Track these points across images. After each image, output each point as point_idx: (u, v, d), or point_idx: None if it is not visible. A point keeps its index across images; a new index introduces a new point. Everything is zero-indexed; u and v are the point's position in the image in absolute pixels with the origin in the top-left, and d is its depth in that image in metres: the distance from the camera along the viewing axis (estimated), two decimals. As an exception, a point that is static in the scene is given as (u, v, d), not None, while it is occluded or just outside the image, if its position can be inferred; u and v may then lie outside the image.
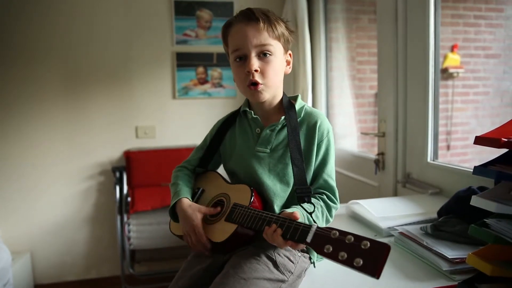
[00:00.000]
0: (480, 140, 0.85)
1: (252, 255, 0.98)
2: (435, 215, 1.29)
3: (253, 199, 1.01)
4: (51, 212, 2.93)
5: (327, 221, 1.05)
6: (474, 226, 0.85)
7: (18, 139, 2.85)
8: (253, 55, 1.04)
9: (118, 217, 2.79)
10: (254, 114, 1.13)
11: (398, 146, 1.89)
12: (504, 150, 0.85)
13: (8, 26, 2.77)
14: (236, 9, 2.96)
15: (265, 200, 1.07)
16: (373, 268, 0.66)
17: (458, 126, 2.79)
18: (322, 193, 1.08)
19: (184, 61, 3.05)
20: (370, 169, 2.12)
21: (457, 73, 2.76)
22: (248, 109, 1.16)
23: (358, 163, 2.35)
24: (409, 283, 0.98)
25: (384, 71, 1.97)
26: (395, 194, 1.93)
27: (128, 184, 2.90)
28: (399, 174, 1.89)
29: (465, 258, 0.87)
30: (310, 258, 1.06)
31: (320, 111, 1.15)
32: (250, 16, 1.05)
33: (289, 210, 0.93)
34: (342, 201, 1.34)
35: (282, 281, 0.96)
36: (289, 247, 0.93)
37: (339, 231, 0.75)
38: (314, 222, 0.97)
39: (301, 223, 0.83)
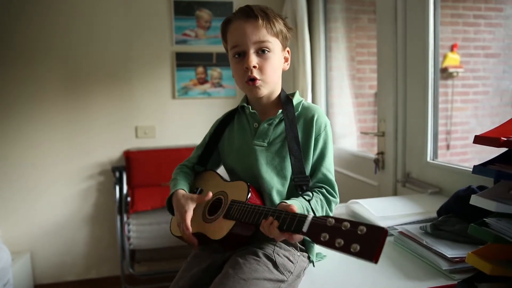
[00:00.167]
0: (479, 139, 0.85)
1: (252, 256, 0.98)
2: (434, 215, 1.29)
3: (250, 194, 1.01)
4: (51, 212, 2.93)
5: (327, 215, 1.05)
6: (473, 225, 0.85)
7: (18, 139, 2.85)
8: (252, 51, 1.05)
9: (118, 217, 2.79)
10: (252, 109, 1.14)
11: (397, 146, 1.89)
12: (504, 149, 0.85)
13: (8, 26, 2.77)
14: (236, 9, 2.97)
15: (264, 194, 1.07)
16: (370, 253, 0.65)
17: (458, 126, 2.79)
18: (321, 187, 1.08)
19: (184, 61, 3.05)
20: (370, 169, 2.12)
21: (457, 72, 2.76)
22: (246, 105, 1.17)
23: (357, 163, 2.35)
24: (409, 283, 0.98)
25: (383, 70, 1.97)
26: (394, 193, 1.93)
27: (128, 184, 2.90)
28: (399, 173, 1.89)
29: (465, 257, 0.87)
30: (309, 258, 1.06)
31: (318, 106, 1.16)
32: (249, 13, 1.06)
33: (287, 202, 0.93)
34: (342, 200, 1.34)
35: (282, 281, 0.96)
36: (287, 246, 0.93)
37: (335, 218, 0.74)
38: (313, 210, 0.98)
39: (297, 213, 0.83)
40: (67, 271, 3.00)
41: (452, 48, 2.73)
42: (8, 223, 2.86)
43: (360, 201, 1.48)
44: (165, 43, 3.02)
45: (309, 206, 0.98)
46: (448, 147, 2.73)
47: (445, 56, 2.70)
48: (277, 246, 1.01)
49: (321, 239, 0.73)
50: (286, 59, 1.16)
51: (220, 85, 3.13)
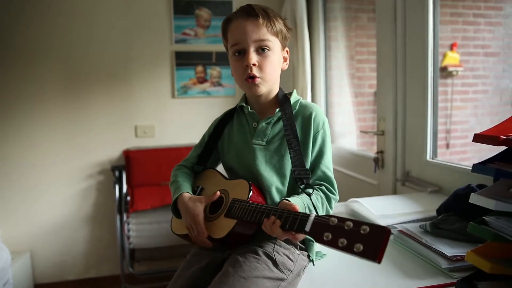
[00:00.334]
0: (479, 138, 0.85)
1: (252, 254, 0.98)
2: (434, 213, 1.29)
3: (252, 193, 1.01)
4: (51, 212, 2.94)
5: (327, 212, 1.06)
6: (473, 224, 0.85)
7: (18, 139, 2.85)
8: (252, 49, 1.06)
9: (118, 216, 2.79)
10: (250, 109, 1.15)
11: (397, 145, 1.89)
12: (503, 148, 0.85)
13: (8, 26, 2.77)
14: (235, 8, 2.97)
15: (264, 192, 1.08)
16: (373, 253, 0.65)
17: (457, 125, 2.79)
18: (320, 185, 1.08)
19: (183, 60, 3.05)
20: (370, 168, 2.13)
21: (456, 71, 2.76)
22: (244, 104, 1.17)
23: (357, 162, 2.35)
24: (408, 281, 0.98)
25: (383, 69, 1.97)
26: (394, 192, 1.93)
27: (127, 183, 2.90)
28: (399, 172, 1.89)
29: (464, 255, 0.87)
30: (309, 256, 1.06)
31: (315, 104, 1.17)
32: (250, 12, 1.07)
33: (289, 200, 0.93)
34: (342, 199, 1.34)
35: (282, 279, 0.96)
36: (287, 244, 0.93)
37: (338, 217, 0.74)
38: (314, 206, 0.98)
39: (300, 212, 0.83)
40: (67, 270, 3.00)
41: (451, 47, 2.73)
42: (8, 223, 2.86)
43: (360, 200, 1.48)
44: (165, 42, 3.02)
45: (311, 203, 0.99)
46: (447, 146, 2.73)
47: (444, 55, 2.71)
48: (277, 245, 1.01)
49: (324, 238, 0.73)
50: (285, 59, 1.17)
51: (219, 84, 3.13)
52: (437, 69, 1.70)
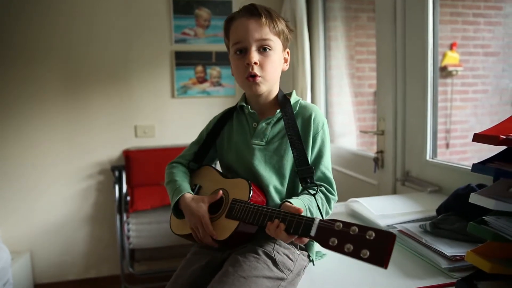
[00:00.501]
0: (478, 138, 0.85)
1: (252, 253, 0.98)
2: (434, 213, 1.29)
3: (252, 193, 1.01)
4: (51, 212, 2.94)
5: (327, 213, 1.07)
6: (473, 224, 0.85)
7: (18, 139, 2.85)
8: (254, 48, 1.07)
9: (118, 217, 2.79)
10: (251, 109, 1.15)
11: (397, 144, 1.89)
12: (503, 148, 0.85)
13: (8, 26, 2.77)
14: (235, 8, 2.98)
15: (264, 192, 1.07)
16: (380, 259, 0.66)
17: (457, 124, 2.79)
18: (320, 185, 1.08)
19: (183, 60, 3.05)
20: (369, 167, 2.13)
21: (456, 71, 2.76)
22: (245, 104, 1.17)
23: (357, 161, 2.35)
24: (408, 281, 0.98)
25: (383, 69, 1.97)
26: (394, 192, 1.93)
27: (127, 183, 2.90)
28: (398, 172, 1.89)
29: (464, 255, 0.87)
30: (309, 256, 1.07)
31: (315, 105, 1.17)
32: (253, 11, 1.08)
33: (291, 202, 0.93)
34: (341, 199, 1.34)
35: (282, 279, 0.96)
36: (287, 244, 0.93)
37: (343, 222, 0.74)
38: (318, 207, 0.99)
39: (304, 216, 0.83)
40: (67, 270, 3.00)
41: (451, 46, 2.73)
42: (8, 223, 2.86)
43: (360, 199, 1.48)
44: (164, 42, 3.02)
45: (312, 204, 0.99)
46: (447, 145, 2.73)
47: (444, 55, 2.70)
48: (277, 244, 1.01)
49: (330, 243, 0.73)
50: (285, 60, 1.18)
51: (219, 84, 3.13)
52: (437, 69, 1.70)
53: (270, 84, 1.12)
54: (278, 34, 1.10)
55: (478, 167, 0.86)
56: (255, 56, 1.06)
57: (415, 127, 1.77)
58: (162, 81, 3.05)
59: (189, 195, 1.10)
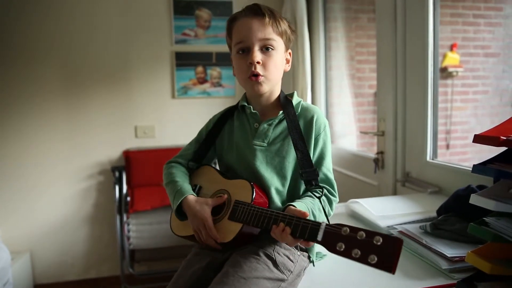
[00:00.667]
0: (479, 139, 0.85)
1: (252, 254, 0.98)
2: (434, 214, 1.29)
3: (255, 195, 1.00)
4: (51, 212, 2.93)
5: (328, 214, 1.06)
6: (473, 225, 0.85)
7: (18, 139, 2.85)
8: (256, 48, 1.06)
9: (118, 217, 2.79)
10: (252, 110, 1.14)
11: (397, 145, 1.89)
12: (503, 149, 0.85)
13: (8, 26, 2.77)
14: (235, 9, 2.98)
15: (265, 194, 1.07)
16: (388, 264, 0.66)
17: (458, 125, 2.79)
18: (322, 187, 1.08)
19: (183, 60, 3.05)
20: (370, 168, 2.13)
21: (456, 72, 2.76)
22: (246, 104, 1.17)
23: (357, 162, 2.35)
24: (409, 282, 0.98)
25: (383, 70, 1.97)
26: (394, 193, 1.93)
27: (127, 183, 2.90)
28: (399, 173, 1.89)
29: (465, 256, 0.87)
30: (309, 257, 1.06)
31: (316, 106, 1.17)
32: (257, 11, 1.08)
33: (295, 206, 0.93)
34: (342, 200, 1.34)
35: (282, 280, 0.96)
36: (288, 245, 0.93)
37: (350, 227, 0.74)
38: (322, 210, 0.99)
39: (309, 220, 0.83)
40: (67, 271, 3.00)
41: (451, 47, 2.72)
42: (8, 223, 2.86)
43: (360, 200, 1.48)
44: (165, 43, 3.02)
45: (315, 207, 1.00)
46: (447, 146, 2.73)
47: (444, 56, 2.70)
48: (277, 245, 1.01)
49: (337, 248, 0.73)
50: (287, 61, 1.18)
51: (219, 85, 3.13)
52: (437, 70, 1.70)
53: (272, 84, 1.11)
54: (281, 34, 1.10)
55: (479, 168, 0.86)
56: (258, 56, 1.06)
57: (415, 128, 1.77)
58: (162, 81, 3.05)
59: (192, 197, 1.09)
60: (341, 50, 2.81)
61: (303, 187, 1.10)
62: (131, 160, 2.90)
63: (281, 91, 1.18)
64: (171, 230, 1.17)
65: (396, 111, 1.87)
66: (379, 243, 0.69)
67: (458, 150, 2.76)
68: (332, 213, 1.09)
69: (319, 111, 1.14)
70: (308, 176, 1.03)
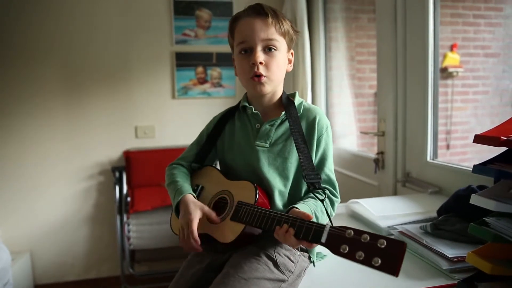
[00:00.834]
0: (479, 139, 0.85)
1: (252, 255, 0.98)
2: (434, 214, 1.29)
3: (258, 196, 1.00)
4: (51, 212, 2.93)
5: (330, 215, 1.06)
6: (473, 225, 0.85)
7: (18, 139, 2.85)
8: (259, 48, 1.06)
9: (118, 217, 2.79)
10: (254, 110, 1.14)
11: (397, 145, 1.89)
12: (504, 149, 0.85)
13: (8, 26, 2.77)
14: (235, 9, 2.98)
15: (268, 195, 1.07)
16: (392, 267, 0.67)
17: (458, 125, 2.79)
18: (324, 188, 1.08)
19: (184, 61, 3.05)
20: (370, 168, 2.12)
21: (457, 72, 2.76)
22: (248, 105, 1.16)
23: (357, 162, 2.35)
24: (409, 282, 0.98)
25: (383, 70, 1.97)
26: (394, 193, 1.93)
27: (127, 184, 2.90)
28: (399, 173, 1.89)
29: (465, 256, 0.87)
30: (309, 258, 1.06)
31: (318, 107, 1.17)
32: (259, 11, 1.07)
33: (298, 208, 0.93)
34: (342, 200, 1.33)
35: (283, 280, 0.96)
36: (288, 245, 0.93)
37: (354, 230, 0.75)
38: (327, 211, 0.99)
39: (313, 222, 0.83)
40: (67, 271, 3.00)
41: (451, 47, 2.72)
42: (8, 223, 2.86)
43: (360, 200, 1.48)
44: (165, 43, 3.02)
45: (318, 209, 1.00)
46: (448, 146, 2.73)
47: (445, 56, 2.70)
48: (278, 246, 1.01)
49: (341, 250, 0.74)
50: (289, 61, 1.17)
51: (220, 85, 3.13)
52: (437, 70, 1.70)
53: (274, 85, 1.11)
54: (284, 34, 1.09)
55: (479, 168, 0.86)
56: (260, 56, 1.05)
57: (415, 128, 1.77)
58: (162, 81, 3.05)
59: (190, 196, 1.08)
60: (341, 50, 2.81)
61: (304, 188, 1.09)
62: (131, 160, 2.90)
63: (283, 91, 1.17)
64: (171, 230, 1.17)
65: (397, 111, 1.87)
66: (383, 246, 0.69)
67: (459, 150, 2.76)
68: (334, 214, 1.09)
69: (321, 112, 1.14)
70: (311, 178, 1.03)
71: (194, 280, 1.02)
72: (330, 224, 0.80)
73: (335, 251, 0.75)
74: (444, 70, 2.72)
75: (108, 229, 3.01)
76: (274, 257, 0.98)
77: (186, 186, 1.13)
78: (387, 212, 1.37)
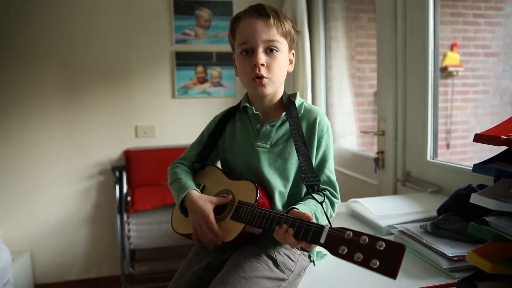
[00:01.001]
0: (479, 138, 0.85)
1: (252, 254, 0.98)
2: (434, 213, 1.29)
3: (259, 196, 1.00)
4: (51, 212, 2.94)
5: (330, 216, 1.07)
6: (473, 224, 0.85)
7: (18, 139, 2.85)
8: (261, 49, 1.05)
9: (118, 217, 2.79)
10: (255, 110, 1.14)
11: (397, 145, 1.89)
12: (504, 148, 0.85)
13: (8, 26, 2.77)
14: (235, 8, 2.98)
15: (268, 195, 1.07)
16: (390, 269, 0.67)
17: (458, 125, 2.78)
18: (324, 189, 1.08)
19: (184, 60, 3.05)
20: (370, 168, 2.12)
21: (457, 71, 2.76)
22: (248, 105, 1.16)
23: (357, 162, 2.35)
24: (409, 281, 0.98)
25: (383, 69, 1.97)
26: (394, 192, 1.93)
27: (127, 183, 2.90)
28: (399, 172, 1.89)
29: (465, 256, 0.87)
30: (309, 257, 1.06)
31: (319, 108, 1.17)
32: (261, 11, 1.07)
33: (298, 209, 0.93)
34: (342, 200, 1.33)
35: (282, 279, 0.96)
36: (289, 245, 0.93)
37: (353, 231, 0.75)
38: (325, 213, 0.99)
39: (313, 223, 0.83)
40: (67, 271, 3.00)
41: (452, 47, 2.72)
42: (8, 223, 2.86)
43: (360, 200, 1.48)
44: (165, 43, 3.02)
45: (318, 210, 1.00)
46: (448, 146, 2.73)
47: (445, 55, 2.70)
48: (278, 245, 1.01)
49: (339, 251, 0.74)
50: (291, 61, 1.16)
51: (220, 85, 3.13)
52: (437, 69, 1.70)
53: (276, 86, 1.11)
54: (285, 35, 1.09)
55: (479, 168, 0.86)
56: (262, 57, 1.05)
57: (415, 128, 1.77)
58: (162, 81, 3.05)
59: (195, 192, 1.09)
60: (341, 50, 2.81)
61: (304, 189, 1.09)
62: (131, 160, 2.90)
63: (284, 91, 1.17)
64: (171, 228, 1.17)
65: (397, 111, 1.87)
66: (381, 248, 0.69)
67: (459, 149, 2.76)
68: (334, 215, 1.09)
69: (322, 112, 1.14)
70: (310, 181, 1.03)
71: (194, 279, 1.01)
72: (330, 225, 0.80)
73: (334, 252, 0.75)
74: (444, 69, 2.72)
75: (108, 229, 3.01)
76: (274, 256, 0.98)
77: (190, 183, 1.13)
78: (387, 212, 1.37)
